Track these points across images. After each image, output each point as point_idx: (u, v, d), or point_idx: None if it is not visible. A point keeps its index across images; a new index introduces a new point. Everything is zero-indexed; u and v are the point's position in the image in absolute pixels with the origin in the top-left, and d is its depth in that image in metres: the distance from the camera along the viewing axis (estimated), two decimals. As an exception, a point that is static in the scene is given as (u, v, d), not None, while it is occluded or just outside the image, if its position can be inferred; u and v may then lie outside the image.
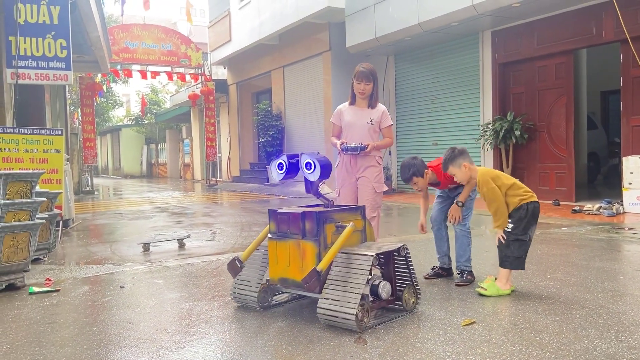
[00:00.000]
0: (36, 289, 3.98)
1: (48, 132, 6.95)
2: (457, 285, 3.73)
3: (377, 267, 3.20)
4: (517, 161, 9.56)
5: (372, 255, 2.89)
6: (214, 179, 19.96)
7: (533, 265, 4.34)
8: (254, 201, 12.03)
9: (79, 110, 18.28)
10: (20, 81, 7.58)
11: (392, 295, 3.11)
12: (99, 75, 16.91)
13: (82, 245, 6.32)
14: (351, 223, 3.07)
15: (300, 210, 3.11)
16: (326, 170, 3.20)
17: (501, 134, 9.30)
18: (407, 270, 3.16)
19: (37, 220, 4.30)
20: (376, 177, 4.14)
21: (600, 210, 7.20)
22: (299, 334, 2.85)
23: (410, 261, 3.15)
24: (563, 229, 6.31)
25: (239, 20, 16.81)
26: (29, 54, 7.63)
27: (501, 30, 9.66)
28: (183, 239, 6.07)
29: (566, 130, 8.91)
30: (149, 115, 31.10)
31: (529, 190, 3.52)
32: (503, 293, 3.43)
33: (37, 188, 4.52)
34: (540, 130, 9.30)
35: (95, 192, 16.51)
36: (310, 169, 3.19)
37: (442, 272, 4.01)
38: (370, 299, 2.98)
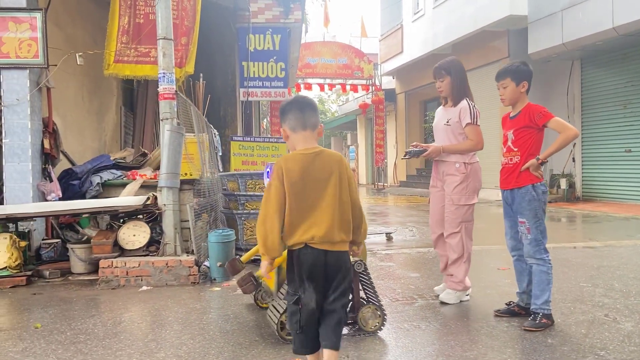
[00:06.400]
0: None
1: (275, 140, 8.38)
2: (525, 329, 2.94)
3: None
4: None
5: None
6: (381, 183, 20.95)
7: None
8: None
9: (266, 119, 20.68)
10: (250, 98, 9.21)
11: None
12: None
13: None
14: None
15: None
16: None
17: None
18: None
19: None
20: (455, 187, 3.49)
21: None
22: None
23: None
24: None
25: (411, 32, 17.57)
26: (256, 75, 9.24)
27: None
28: (391, 233, 6.93)
29: None
30: (316, 123, 33.51)
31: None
32: None
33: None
34: None
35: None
36: None
37: (519, 311, 3.21)
38: None
